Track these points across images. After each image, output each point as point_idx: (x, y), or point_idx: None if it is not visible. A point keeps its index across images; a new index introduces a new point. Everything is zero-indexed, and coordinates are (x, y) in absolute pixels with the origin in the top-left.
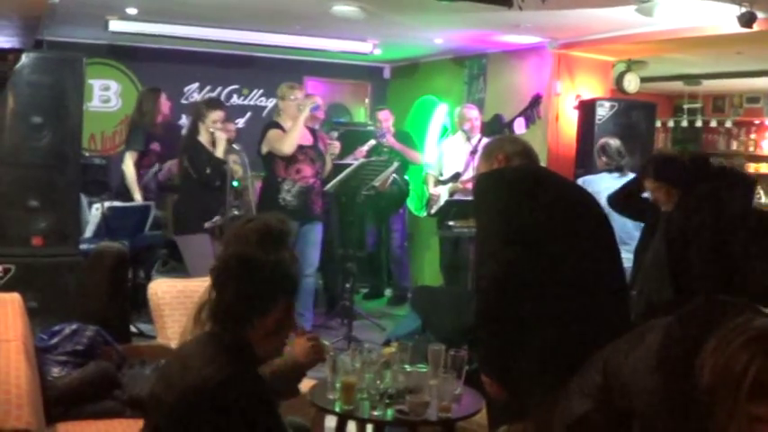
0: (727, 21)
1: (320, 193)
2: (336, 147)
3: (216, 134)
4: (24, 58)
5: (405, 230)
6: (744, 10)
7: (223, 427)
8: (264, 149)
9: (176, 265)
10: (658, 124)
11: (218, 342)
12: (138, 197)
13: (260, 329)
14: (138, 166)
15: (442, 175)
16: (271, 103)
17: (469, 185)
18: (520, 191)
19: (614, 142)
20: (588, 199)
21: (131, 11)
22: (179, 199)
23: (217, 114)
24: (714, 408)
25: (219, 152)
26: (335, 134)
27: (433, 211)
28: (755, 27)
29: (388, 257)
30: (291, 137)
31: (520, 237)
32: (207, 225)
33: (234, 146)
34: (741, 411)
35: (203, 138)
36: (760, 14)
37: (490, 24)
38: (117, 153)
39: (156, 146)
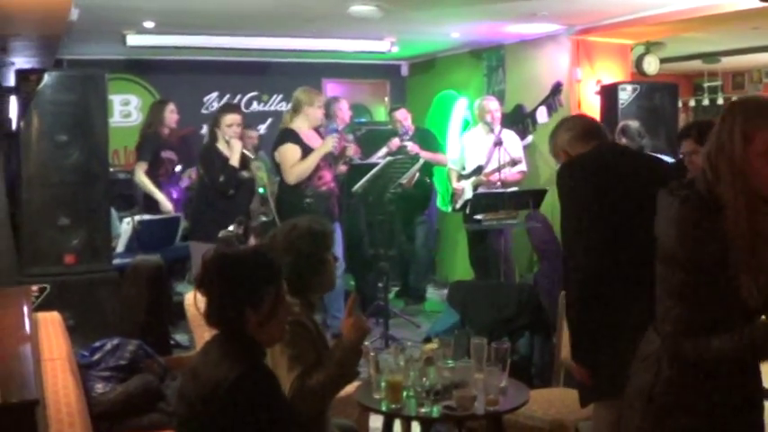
0: None
1: (338, 195)
2: (352, 149)
3: (231, 142)
4: (47, 78)
5: (433, 228)
6: None
7: (244, 423)
8: (278, 158)
9: None
10: (679, 104)
11: (221, 344)
12: (160, 198)
13: (255, 321)
14: (155, 175)
15: (464, 169)
16: None
17: (494, 177)
18: (600, 177)
19: (634, 123)
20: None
21: (148, 24)
22: (194, 206)
23: (231, 118)
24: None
25: (234, 160)
26: (351, 137)
27: (458, 205)
28: None
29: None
30: (300, 172)
31: (606, 222)
32: (221, 234)
33: (259, 152)
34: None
35: (221, 145)
36: None
37: (507, 15)
38: None
39: (169, 154)
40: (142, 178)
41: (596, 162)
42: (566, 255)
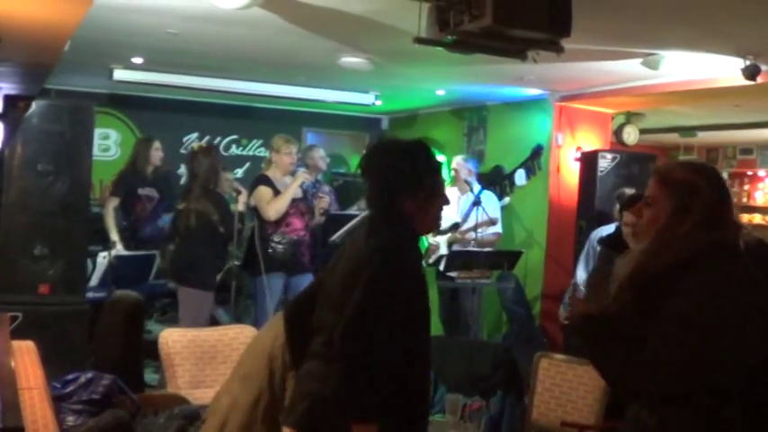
0: (729, 73)
1: (309, 245)
2: (325, 202)
3: (239, 189)
4: (34, 106)
5: None
6: (748, 63)
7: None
8: (252, 203)
9: (175, 315)
10: None
11: (376, 221)
12: (115, 238)
13: (412, 204)
14: (131, 212)
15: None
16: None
17: (469, 236)
18: None
19: (629, 190)
20: None
21: (137, 60)
22: (192, 252)
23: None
24: None
25: (242, 206)
26: (327, 188)
27: (431, 260)
28: (758, 80)
29: None
30: (278, 206)
31: None
32: (218, 278)
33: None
34: None
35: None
36: (764, 67)
37: (494, 77)
38: None
39: (147, 191)
40: (108, 213)
41: None
42: None
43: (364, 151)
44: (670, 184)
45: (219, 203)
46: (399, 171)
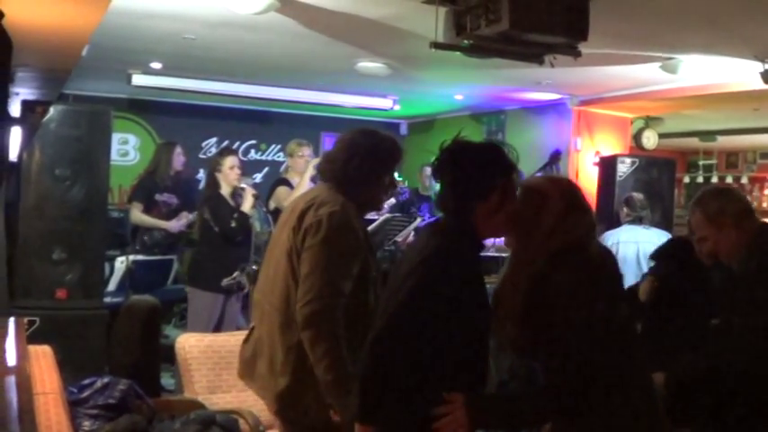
0: (748, 77)
1: None
2: None
3: (246, 189)
4: (52, 111)
5: None
6: (767, 66)
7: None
8: (272, 205)
9: None
10: None
11: (437, 228)
12: (165, 224)
13: (482, 212)
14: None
15: None
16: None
17: (488, 241)
18: None
19: (638, 195)
20: None
21: (155, 65)
22: (197, 251)
23: (231, 160)
24: None
25: (246, 207)
26: None
27: None
28: None
29: None
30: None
31: None
32: (225, 282)
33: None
34: None
35: (224, 191)
36: None
37: (512, 81)
38: None
39: (165, 197)
40: (141, 217)
41: None
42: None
43: (437, 152)
44: (525, 193)
45: (210, 202)
46: (472, 174)
